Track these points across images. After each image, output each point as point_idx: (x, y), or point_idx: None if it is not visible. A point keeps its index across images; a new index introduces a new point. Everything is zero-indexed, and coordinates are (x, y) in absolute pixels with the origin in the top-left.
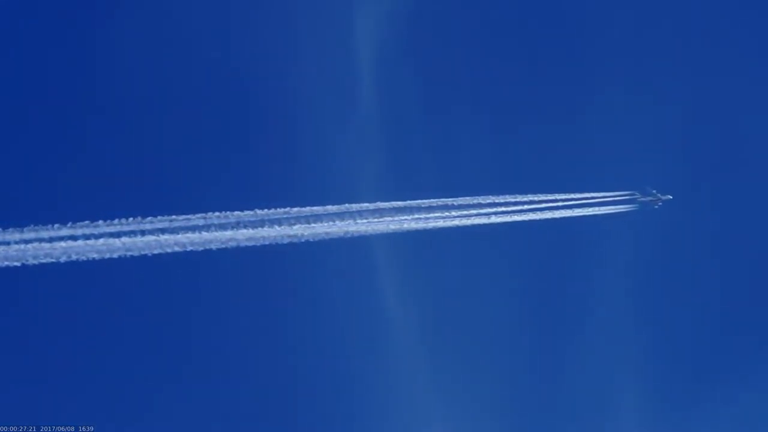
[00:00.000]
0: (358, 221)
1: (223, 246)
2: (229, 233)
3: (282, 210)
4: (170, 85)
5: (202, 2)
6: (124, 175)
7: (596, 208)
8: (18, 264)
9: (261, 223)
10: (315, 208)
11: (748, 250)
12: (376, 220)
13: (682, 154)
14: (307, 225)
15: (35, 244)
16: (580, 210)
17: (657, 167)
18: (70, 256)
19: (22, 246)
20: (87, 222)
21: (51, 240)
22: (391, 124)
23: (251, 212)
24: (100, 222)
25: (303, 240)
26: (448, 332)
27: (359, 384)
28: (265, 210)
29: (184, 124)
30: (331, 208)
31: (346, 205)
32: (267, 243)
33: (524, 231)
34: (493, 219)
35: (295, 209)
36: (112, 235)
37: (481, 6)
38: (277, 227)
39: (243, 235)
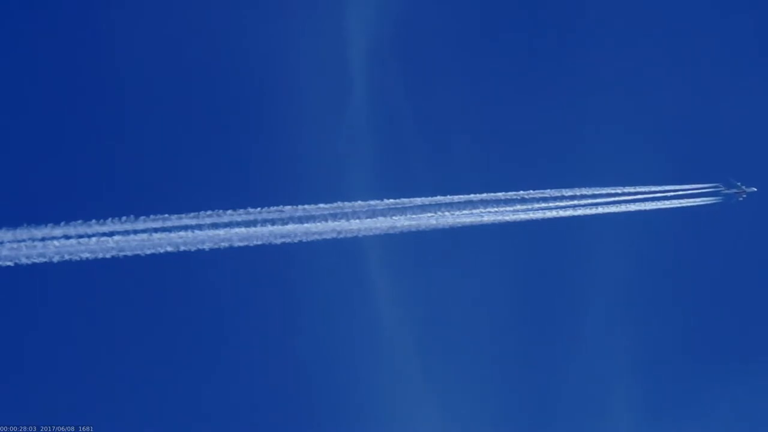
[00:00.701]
0: (351, 220)
1: (216, 246)
2: (222, 232)
3: (275, 208)
4: (163, 85)
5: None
6: (116, 174)
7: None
8: (11, 264)
9: (254, 222)
10: (308, 206)
11: None
12: (369, 219)
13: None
14: (300, 224)
15: (28, 243)
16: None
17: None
18: (63, 256)
19: (15, 245)
20: (80, 221)
21: (44, 239)
22: (383, 121)
23: (243, 211)
24: (93, 221)
25: (296, 239)
26: (442, 333)
27: (351, 385)
28: (258, 209)
29: (175, 124)
30: (323, 207)
31: (339, 203)
32: (260, 243)
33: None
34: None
35: (288, 207)
36: (104, 234)
37: (473, 1)
38: (269, 226)
39: (236, 235)
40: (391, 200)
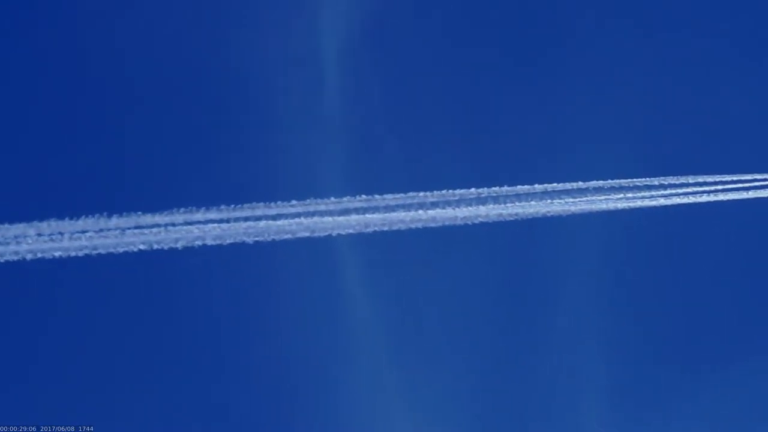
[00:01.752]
0: (324, 218)
1: (189, 244)
2: (195, 230)
3: (248, 206)
4: (136, 84)
5: None
6: (89, 172)
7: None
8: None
9: (227, 220)
10: (280, 203)
11: None
12: (342, 217)
13: None
14: (273, 221)
15: (18, 240)
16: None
17: None
18: (36, 254)
19: (6, 244)
20: (53, 219)
21: (17, 237)
22: (356, 117)
23: (216, 208)
24: (66, 219)
25: (269, 237)
26: (415, 332)
27: (322, 385)
28: (231, 206)
29: (146, 122)
30: (295, 204)
31: (310, 200)
32: (233, 241)
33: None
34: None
35: (260, 205)
36: (78, 232)
37: None
38: (243, 223)
39: (209, 232)
40: (365, 197)
